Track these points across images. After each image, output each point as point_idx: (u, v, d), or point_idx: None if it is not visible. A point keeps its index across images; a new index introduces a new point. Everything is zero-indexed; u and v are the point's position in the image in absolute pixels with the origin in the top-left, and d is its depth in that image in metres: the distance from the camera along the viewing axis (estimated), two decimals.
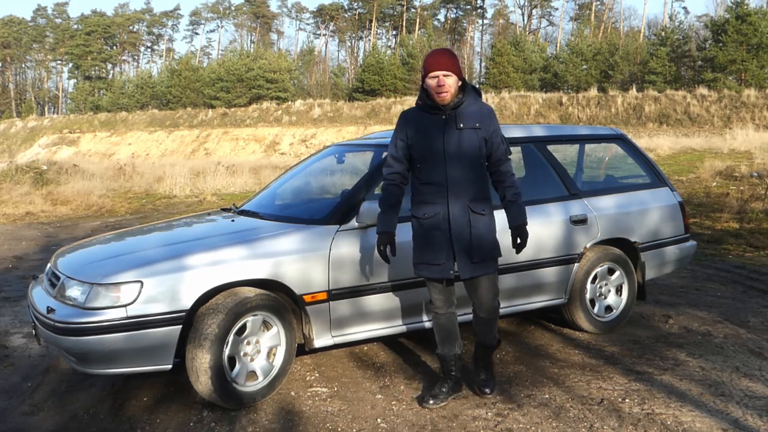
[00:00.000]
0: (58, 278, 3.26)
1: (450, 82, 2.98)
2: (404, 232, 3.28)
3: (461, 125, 3.02)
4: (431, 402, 3.19)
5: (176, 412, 3.21)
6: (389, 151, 3.16)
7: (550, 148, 4.32)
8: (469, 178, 3.04)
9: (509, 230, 3.16)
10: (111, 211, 12.42)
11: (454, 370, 3.27)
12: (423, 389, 3.40)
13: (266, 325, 3.27)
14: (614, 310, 4.34)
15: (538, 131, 4.42)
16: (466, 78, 3.20)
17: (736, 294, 5.36)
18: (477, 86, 3.16)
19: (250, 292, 3.18)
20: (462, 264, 3.07)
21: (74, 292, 3.07)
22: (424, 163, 3.07)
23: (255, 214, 3.89)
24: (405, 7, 69.15)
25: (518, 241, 3.13)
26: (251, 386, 3.23)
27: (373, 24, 70.66)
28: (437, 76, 2.97)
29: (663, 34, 41.96)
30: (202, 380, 3.06)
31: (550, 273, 4.02)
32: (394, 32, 72.40)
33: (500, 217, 3.21)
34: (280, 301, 3.28)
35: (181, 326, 3.04)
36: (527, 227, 3.15)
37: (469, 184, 3.05)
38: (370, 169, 3.85)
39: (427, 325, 3.69)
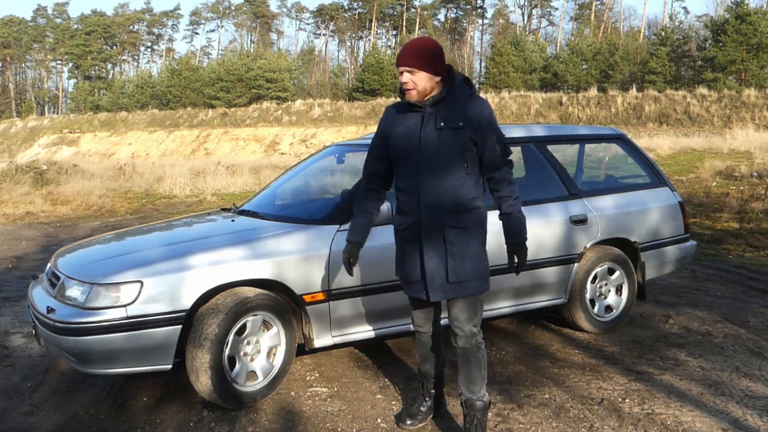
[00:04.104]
0: (58, 278, 3.26)
1: (416, 80, 2.60)
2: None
3: (441, 124, 2.63)
4: (408, 422, 2.98)
5: (176, 412, 3.21)
6: (369, 149, 2.89)
7: (550, 148, 4.32)
8: (446, 185, 2.64)
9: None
10: (111, 211, 12.42)
11: (434, 387, 3.05)
12: (402, 404, 3.23)
13: (266, 325, 3.27)
14: (614, 310, 4.34)
15: (538, 131, 4.42)
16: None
17: (736, 294, 5.36)
18: (467, 77, 2.80)
19: (250, 292, 3.18)
20: (433, 284, 2.68)
21: (74, 292, 3.07)
22: (399, 167, 2.76)
23: (255, 214, 3.89)
24: (405, 7, 69.14)
25: (515, 261, 2.72)
26: (251, 386, 3.23)
27: (373, 24, 70.66)
28: (402, 73, 2.63)
29: (663, 34, 41.99)
30: (202, 380, 3.06)
31: (550, 273, 4.02)
32: (394, 32, 72.39)
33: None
34: (280, 301, 3.28)
35: (181, 326, 3.04)
36: (525, 245, 2.71)
37: (446, 193, 2.64)
38: None
39: None
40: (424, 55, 2.62)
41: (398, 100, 2.80)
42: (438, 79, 2.65)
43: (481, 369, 2.76)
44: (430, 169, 2.65)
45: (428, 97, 2.65)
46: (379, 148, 2.82)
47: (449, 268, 2.65)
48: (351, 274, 2.89)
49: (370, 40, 69.15)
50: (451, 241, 2.65)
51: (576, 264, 4.12)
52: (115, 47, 76.90)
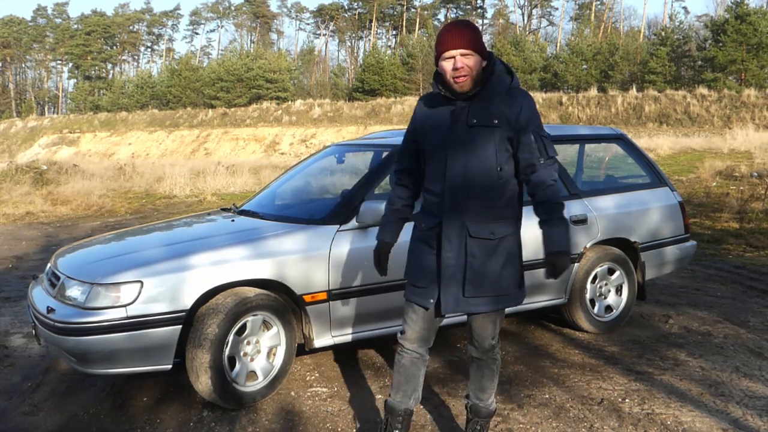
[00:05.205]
0: (58, 278, 3.26)
1: (471, 64, 2.32)
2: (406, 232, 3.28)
3: (474, 121, 2.37)
4: None
5: (176, 412, 3.21)
6: (401, 144, 2.66)
7: None
8: (473, 190, 2.38)
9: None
10: (111, 211, 12.41)
11: (399, 430, 2.62)
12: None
13: (266, 325, 3.27)
14: (614, 310, 4.34)
15: None
16: None
17: (736, 294, 5.36)
18: (509, 67, 2.49)
19: (250, 292, 3.18)
20: (447, 295, 2.42)
21: (74, 292, 3.07)
22: (427, 165, 2.51)
23: (255, 214, 3.89)
24: (405, 7, 69.16)
25: (552, 271, 2.38)
26: (251, 386, 3.23)
27: (373, 24, 70.67)
28: (453, 57, 2.33)
29: (663, 34, 41.98)
30: (202, 380, 3.06)
31: None
32: (394, 32, 72.42)
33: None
34: (280, 301, 3.28)
35: (181, 326, 3.04)
36: (566, 257, 2.35)
37: (473, 199, 2.39)
38: (370, 170, 3.85)
39: None
40: (478, 36, 2.35)
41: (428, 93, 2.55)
42: (484, 64, 2.39)
43: (493, 379, 2.63)
44: (458, 172, 2.40)
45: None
46: (409, 144, 2.59)
47: (467, 281, 2.40)
48: (382, 274, 2.70)
49: (370, 40, 69.18)
50: (472, 253, 2.40)
51: (576, 264, 4.12)
52: (115, 47, 76.92)
